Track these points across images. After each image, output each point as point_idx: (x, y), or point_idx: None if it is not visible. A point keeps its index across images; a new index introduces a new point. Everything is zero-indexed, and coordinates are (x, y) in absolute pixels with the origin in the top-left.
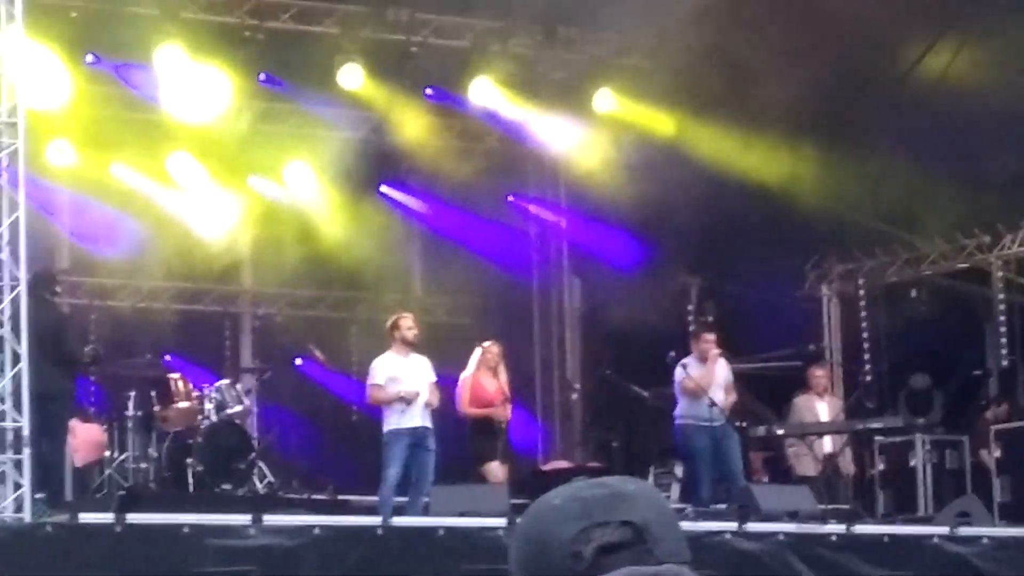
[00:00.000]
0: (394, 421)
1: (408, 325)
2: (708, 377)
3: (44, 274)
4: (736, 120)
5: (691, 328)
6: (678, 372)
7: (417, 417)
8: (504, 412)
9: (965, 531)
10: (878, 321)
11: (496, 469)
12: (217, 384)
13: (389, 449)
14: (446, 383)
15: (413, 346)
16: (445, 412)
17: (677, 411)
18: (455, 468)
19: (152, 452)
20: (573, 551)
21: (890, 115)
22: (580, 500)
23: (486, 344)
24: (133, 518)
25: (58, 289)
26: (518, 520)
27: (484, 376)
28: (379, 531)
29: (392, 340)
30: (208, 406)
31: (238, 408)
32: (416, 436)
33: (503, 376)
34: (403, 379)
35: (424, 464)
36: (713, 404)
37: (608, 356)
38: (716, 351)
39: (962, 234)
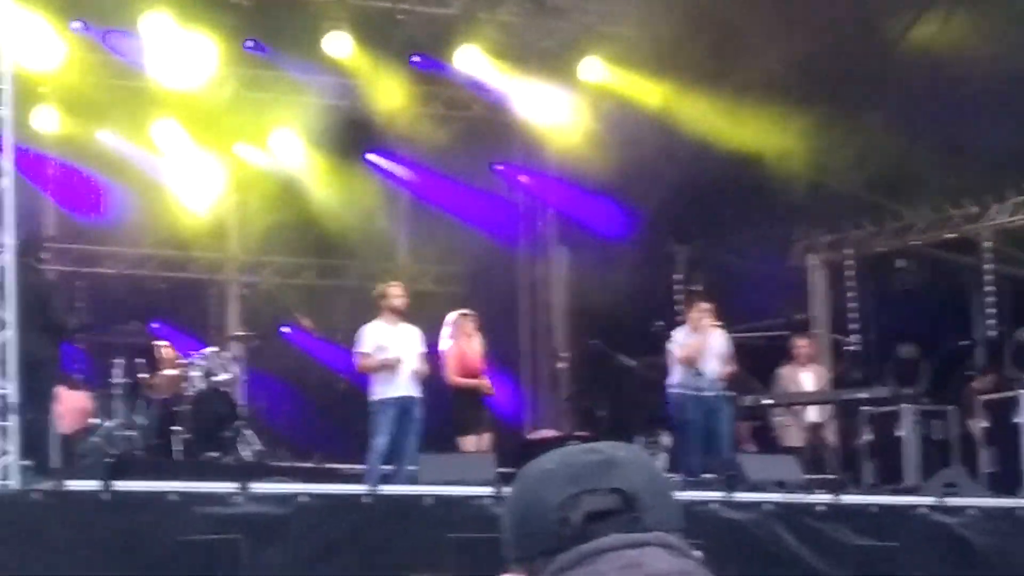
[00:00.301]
0: (380, 391)
1: (397, 294)
2: (699, 346)
3: (30, 241)
4: (723, 89)
5: (679, 297)
6: (670, 342)
7: (404, 386)
8: (488, 382)
9: (952, 501)
10: (865, 291)
11: (476, 441)
12: (204, 352)
13: (375, 419)
14: (433, 352)
15: (402, 315)
16: (429, 382)
17: (670, 380)
18: (440, 438)
19: (139, 420)
20: (561, 516)
21: (878, 84)
22: (571, 466)
23: (464, 312)
24: (120, 485)
25: (44, 256)
26: (513, 483)
27: (466, 345)
28: (366, 499)
29: (380, 309)
30: (195, 374)
31: (225, 376)
32: (402, 405)
33: (478, 345)
34: (391, 348)
35: (409, 433)
36: (699, 374)
37: (595, 325)
38: (707, 321)
39: (950, 204)
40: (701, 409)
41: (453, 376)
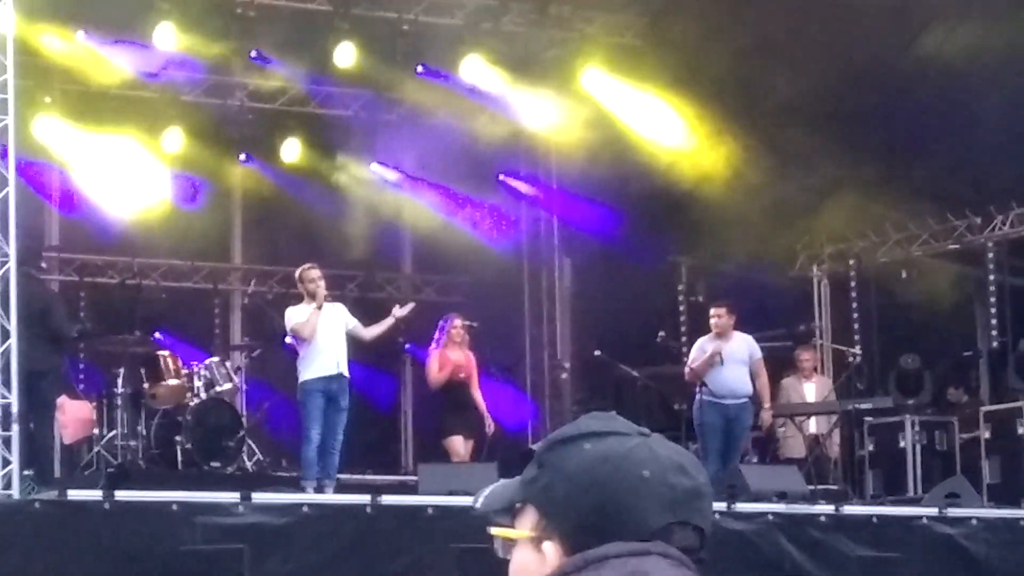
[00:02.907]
0: (307, 372)
1: (311, 277)
2: (713, 353)
3: (29, 250)
4: (727, 100)
5: (683, 308)
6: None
7: (333, 365)
8: (473, 385)
9: (954, 512)
10: (869, 302)
11: (460, 444)
12: (207, 362)
13: (304, 406)
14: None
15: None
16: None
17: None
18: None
19: (141, 429)
20: (654, 539)
21: (882, 94)
22: (669, 487)
23: (455, 322)
24: (122, 495)
25: (44, 265)
26: (586, 454)
27: (452, 350)
28: (368, 509)
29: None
30: (197, 384)
31: (227, 386)
32: (330, 389)
33: (464, 357)
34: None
35: (334, 425)
36: (703, 385)
37: (598, 336)
38: (724, 324)
39: (953, 215)
40: (719, 416)
41: (433, 376)
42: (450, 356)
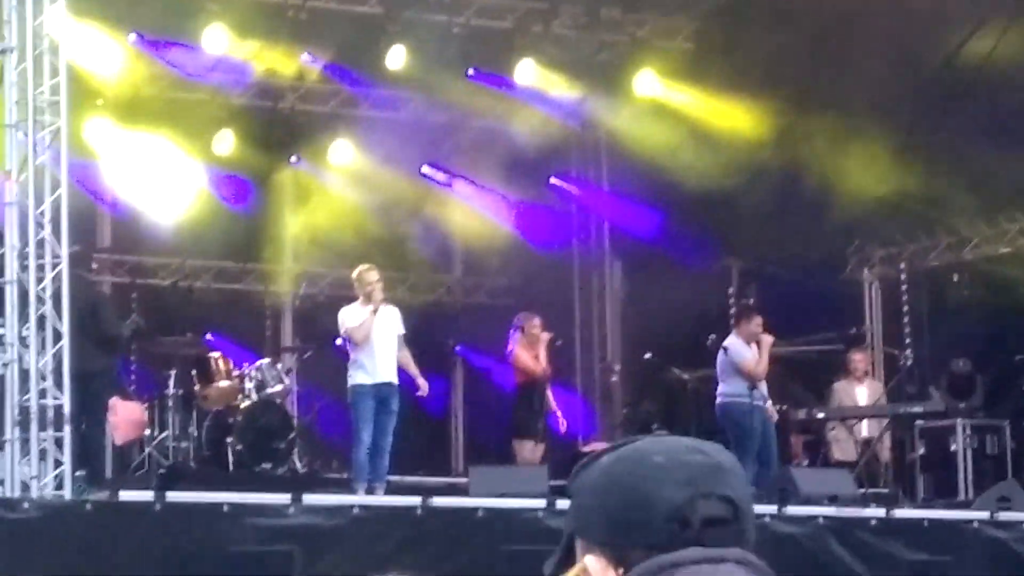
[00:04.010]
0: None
1: (369, 280)
2: (764, 360)
3: (80, 252)
4: (779, 104)
5: (733, 310)
6: (725, 353)
7: (384, 371)
8: (547, 388)
9: (1005, 516)
10: (919, 305)
11: (529, 449)
12: (258, 363)
13: (355, 408)
14: (487, 364)
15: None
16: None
17: (724, 390)
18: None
19: (192, 431)
20: (681, 516)
21: (934, 99)
22: (685, 465)
23: (534, 321)
24: (173, 496)
25: (94, 266)
26: (603, 463)
27: (532, 349)
28: (418, 511)
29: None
30: (248, 385)
31: (278, 387)
32: (381, 393)
33: (543, 354)
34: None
35: (385, 426)
36: (754, 386)
37: (648, 338)
38: (767, 336)
39: (1004, 218)
40: (758, 420)
41: (529, 366)
42: (524, 355)
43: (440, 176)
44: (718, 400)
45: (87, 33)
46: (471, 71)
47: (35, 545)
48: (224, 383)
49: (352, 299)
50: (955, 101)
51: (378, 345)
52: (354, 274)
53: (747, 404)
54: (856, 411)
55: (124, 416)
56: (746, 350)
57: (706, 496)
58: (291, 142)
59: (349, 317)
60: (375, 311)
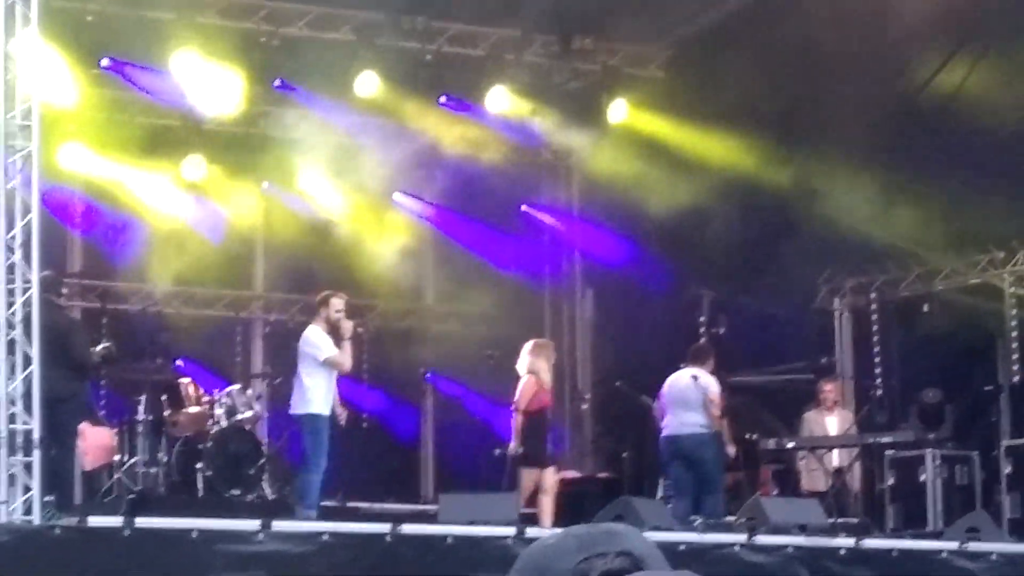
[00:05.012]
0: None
1: (337, 307)
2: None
3: (50, 277)
4: (751, 133)
5: (703, 340)
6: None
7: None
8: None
9: (974, 547)
10: (890, 335)
11: (550, 474)
12: (228, 389)
13: (317, 436)
14: (458, 393)
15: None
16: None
17: (700, 421)
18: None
19: (162, 457)
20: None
21: (904, 131)
22: (575, 537)
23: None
24: (142, 522)
25: (65, 291)
26: (513, 567)
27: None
28: (388, 538)
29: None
30: (218, 411)
31: (248, 414)
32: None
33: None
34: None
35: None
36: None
37: (619, 367)
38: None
39: (975, 249)
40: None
41: (524, 404)
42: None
43: (411, 203)
44: (689, 431)
45: (58, 58)
46: (443, 98)
47: (3, 570)
48: (194, 409)
49: None
50: (926, 132)
51: (333, 375)
52: (318, 298)
53: (718, 434)
54: (826, 441)
55: (93, 442)
56: (715, 382)
57: (601, 555)
58: (261, 168)
59: (326, 345)
60: (349, 338)
